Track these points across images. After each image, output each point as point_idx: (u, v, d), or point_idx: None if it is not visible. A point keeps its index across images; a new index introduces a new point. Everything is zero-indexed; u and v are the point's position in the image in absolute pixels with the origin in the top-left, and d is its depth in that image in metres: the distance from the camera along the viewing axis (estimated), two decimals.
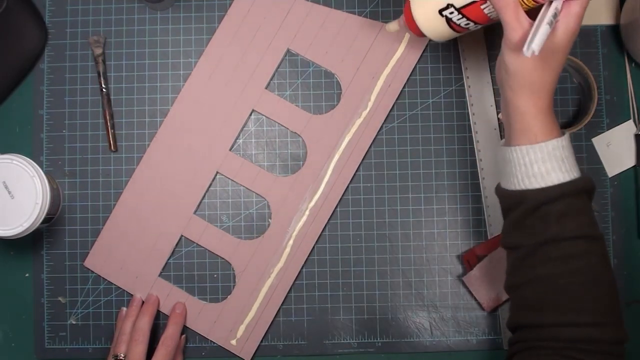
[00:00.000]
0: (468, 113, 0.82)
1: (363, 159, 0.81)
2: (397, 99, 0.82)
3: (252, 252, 0.80)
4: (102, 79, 0.81)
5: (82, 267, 0.80)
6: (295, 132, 0.82)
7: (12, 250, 0.81)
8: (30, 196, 0.73)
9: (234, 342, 0.80)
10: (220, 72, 0.82)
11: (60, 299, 0.80)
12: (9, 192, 0.73)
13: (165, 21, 0.83)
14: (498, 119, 0.82)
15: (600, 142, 0.82)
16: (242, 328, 0.79)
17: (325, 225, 0.81)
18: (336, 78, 0.82)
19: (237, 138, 0.82)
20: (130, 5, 0.83)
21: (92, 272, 0.80)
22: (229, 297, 0.80)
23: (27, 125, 0.82)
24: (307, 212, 0.80)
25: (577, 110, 0.82)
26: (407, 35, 0.82)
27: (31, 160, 0.74)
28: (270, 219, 0.81)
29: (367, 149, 0.81)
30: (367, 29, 0.82)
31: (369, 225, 0.81)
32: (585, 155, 0.82)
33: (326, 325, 0.81)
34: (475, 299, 0.80)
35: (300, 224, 0.80)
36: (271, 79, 0.82)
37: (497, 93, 0.82)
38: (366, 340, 0.80)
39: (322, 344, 0.80)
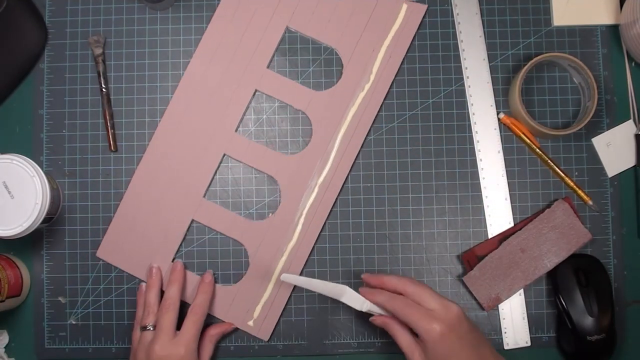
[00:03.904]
0: (468, 113, 0.82)
1: (361, 159, 0.81)
2: (396, 75, 0.82)
3: (264, 232, 0.80)
4: (102, 79, 0.81)
5: (82, 267, 0.80)
6: (299, 110, 0.82)
7: (12, 250, 0.81)
8: (30, 196, 0.73)
9: (251, 323, 0.80)
10: (221, 55, 0.82)
11: (60, 299, 0.80)
12: (9, 192, 0.73)
13: (165, 21, 0.83)
14: (498, 119, 0.82)
15: (600, 142, 0.82)
16: (258, 308, 0.79)
17: (326, 223, 0.81)
18: (337, 53, 0.82)
19: (241, 119, 0.82)
20: (130, 5, 0.83)
21: (92, 272, 0.80)
22: (243, 278, 0.80)
23: (27, 125, 0.82)
24: (316, 189, 0.80)
25: (577, 110, 0.82)
26: (404, 6, 0.82)
27: (31, 160, 0.74)
28: (280, 197, 0.81)
29: (372, 122, 0.81)
30: (364, 1, 0.82)
31: (369, 225, 0.81)
32: (585, 155, 0.82)
33: (326, 325, 0.81)
34: (475, 299, 0.80)
35: (311, 200, 0.80)
36: (272, 58, 0.82)
37: (497, 93, 0.82)
38: (366, 340, 0.80)
39: (322, 344, 0.80)
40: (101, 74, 0.82)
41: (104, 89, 0.81)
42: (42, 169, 0.75)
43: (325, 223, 0.81)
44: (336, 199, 0.81)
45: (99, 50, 0.81)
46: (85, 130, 0.82)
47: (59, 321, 0.80)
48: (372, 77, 0.81)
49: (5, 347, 0.80)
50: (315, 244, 0.80)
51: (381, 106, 0.82)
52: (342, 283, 0.80)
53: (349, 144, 0.81)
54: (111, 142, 0.81)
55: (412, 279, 0.71)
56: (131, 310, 0.80)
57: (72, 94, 0.82)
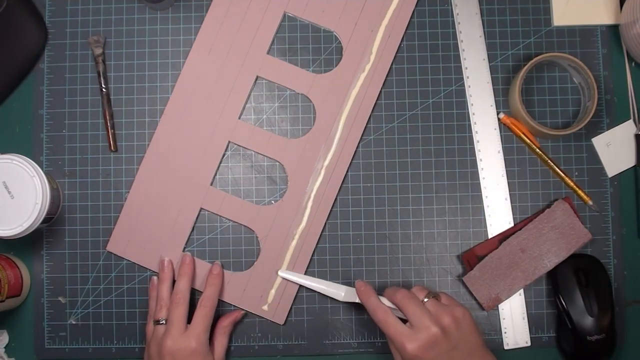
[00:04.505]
0: (468, 113, 0.82)
1: (361, 159, 0.81)
2: (397, 52, 0.82)
3: (273, 216, 0.80)
4: (102, 79, 0.82)
5: (82, 267, 0.80)
6: (302, 93, 0.82)
7: (12, 250, 0.81)
8: (30, 196, 0.73)
9: (265, 307, 0.80)
10: (220, 43, 0.82)
11: (60, 299, 0.80)
12: (9, 192, 0.73)
13: (165, 21, 0.83)
14: (498, 119, 0.82)
15: (600, 142, 0.82)
16: (272, 293, 0.80)
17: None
18: (336, 36, 0.82)
19: (244, 106, 0.82)
20: (130, 5, 0.83)
21: (92, 272, 0.80)
22: (255, 263, 0.80)
23: (27, 125, 0.82)
24: (322, 171, 0.81)
25: (577, 110, 0.82)
26: None
27: (31, 160, 0.74)
28: (288, 181, 0.81)
29: (374, 103, 0.81)
30: None
31: (369, 225, 0.81)
32: (585, 155, 0.82)
33: (326, 325, 0.81)
34: (475, 299, 0.80)
35: (318, 183, 0.80)
36: (272, 44, 0.82)
37: (497, 93, 0.82)
38: (366, 340, 0.80)
39: (322, 344, 0.80)
40: (101, 74, 0.82)
41: (104, 89, 0.81)
42: (42, 169, 0.75)
43: (332, 207, 0.81)
44: (342, 182, 0.81)
45: (99, 50, 0.81)
46: (85, 130, 0.82)
47: (59, 321, 0.80)
48: (372, 58, 0.81)
49: (5, 347, 0.80)
50: (323, 229, 0.80)
51: (381, 106, 0.82)
52: (343, 283, 0.80)
53: (353, 125, 0.81)
54: (111, 142, 0.81)
55: (407, 292, 0.71)
56: (131, 310, 0.80)
57: (72, 94, 0.82)
